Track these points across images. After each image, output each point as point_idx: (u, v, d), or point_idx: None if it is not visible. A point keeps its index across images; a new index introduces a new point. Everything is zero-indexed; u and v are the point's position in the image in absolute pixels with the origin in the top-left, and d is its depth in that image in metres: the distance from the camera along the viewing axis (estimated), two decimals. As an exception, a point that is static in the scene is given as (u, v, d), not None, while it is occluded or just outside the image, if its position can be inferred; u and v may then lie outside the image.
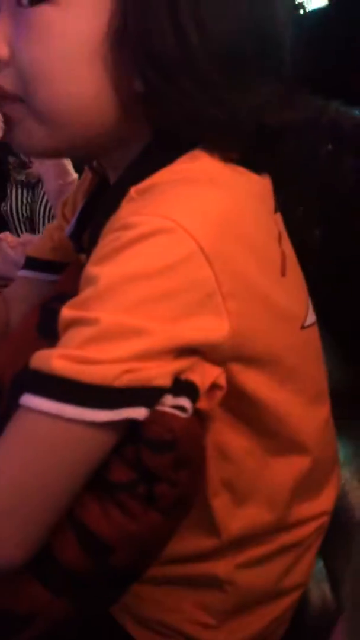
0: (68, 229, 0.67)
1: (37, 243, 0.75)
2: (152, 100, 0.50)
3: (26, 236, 1.25)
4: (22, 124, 0.54)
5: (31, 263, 0.74)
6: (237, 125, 0.50)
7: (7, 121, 0.54)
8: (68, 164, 1.20)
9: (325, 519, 0.64)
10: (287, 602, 0.63)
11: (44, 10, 0.49)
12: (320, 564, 0.72)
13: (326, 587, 0.72)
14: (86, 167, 0.71)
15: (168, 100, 0.49)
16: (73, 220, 0.66)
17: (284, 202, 0.60)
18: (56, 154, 0.63)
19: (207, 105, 0.49)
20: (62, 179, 1.19)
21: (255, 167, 0.54)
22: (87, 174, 0.70)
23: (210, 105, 0.49)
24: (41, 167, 1.20)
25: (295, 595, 0.63)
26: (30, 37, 0.50)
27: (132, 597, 0.56)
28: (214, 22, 0.48)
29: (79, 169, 1.20)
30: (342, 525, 0.73)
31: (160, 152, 0.52)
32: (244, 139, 0.52)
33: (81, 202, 0.68)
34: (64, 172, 1.18)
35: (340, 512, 0.72)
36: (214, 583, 0.58)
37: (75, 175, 1.20)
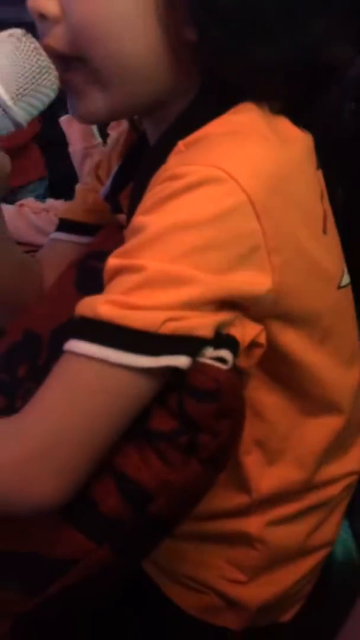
0: (103, 190, 0.67)
1: (69, 205, 0.75)
2: (206, 49, 0.49)
3: (50, 202, 1.25)
4: (82, 90, 0.53)
5: (64, 225, 0.73)
6: (289, 66, 0.50)
7: (70, 92, 0.54)
8: (93, 127, 1.19)
9: (353, 478, 0.65)
10: (314, 559, 0.64)
11: None
12: (346, 523, 0.73)
13: (352, 546, 0.73)
14: (117, 128, 0.70)
15: (222, 45, 0.49)
16: (108, 182, 0.66)
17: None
18: (112, 116, 0.61)
19: (261, 50, 0.49)
20: (88, 141, 1.18)
21: (301, 118, 0.53)
22: (121, 135, 0.69)
23: (264, 48, 0.49)
24: (68, 129, 1.19)
25: (322, 554, 0.64)
26: None
27: (164, 553, 0.57)
28: None
29: (102, 134, 1.19)
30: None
31: (208, 106, 0.51)
32: (293, 83, 0.51)
33: (116, 164, 0.68)
34: (90, 135, 1.18)
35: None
36: (244, 540, 0.59)
37: (99, 140, 1.19)
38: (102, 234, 0.68)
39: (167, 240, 0.45)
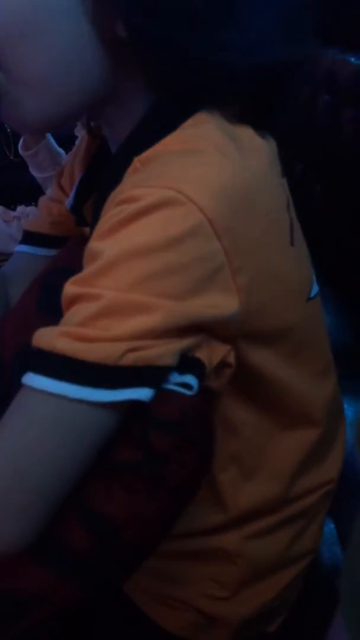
0: (68, 201, 0.65)
1: (34, 217, 0.73)
2: (137, 45, 0.47)
3: (21, 209, 1.23)
4: (9, 96, 0.50)
5: (29, 238, 0.72)
6: (231, 66, 0.47)
7: (3, 103, 0.51)
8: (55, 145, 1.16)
9: (330, 486, 0.64)
10: (296, 569, 0.63)
11: None
12: (332, 526, 0.73)
13: (338, 550, 0.72)
14: (81, 135, 0.68)
15: (153, 42, 0.46)
16: (72, 193, 0.64)
17: (283, 159, 0.57)
18: (52, 124, 0.56)
19: (195, 44, 0.46)
20: (57, 162, 1.15)
21: (257, 123, 0.51)
22: (82, 143, 0.67)
23: (199, 43, 0.46)
24: (35, 159, 1.14)
25: (304, 563, 0.64)
26: None
27: (142, 573, 0.56)
28: None
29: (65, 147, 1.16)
30: (351, 488, 0.73)
31: (162, 118, 0.49)
32: (241, 86, 0.49)
33: (79, 173, 0.66)
34: (56, 155, 1.14)
35: (349, 475, 0.72)
36: (223, 556, 0.58)
37: (61, 151, 1.16)
38: (68, 246, 0.67)
39: (124, 267, 0.43)
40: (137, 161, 0.48)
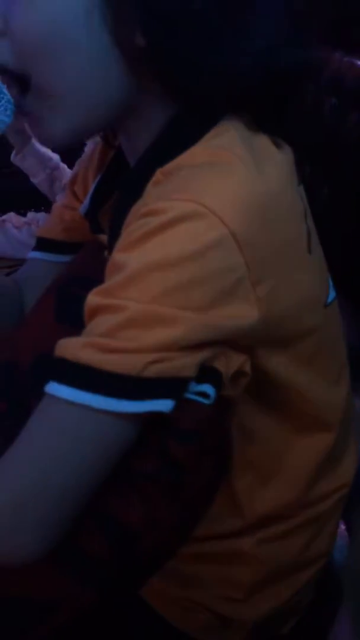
0: (82, 207, 0.65)
1: (47, 223, 0.74)
2: (155, 53, 0.47)
3: (32, 215, 1.24)
4: (36, 113, 0.51)
5: (42, 244, 0.72)
6: (244, 72, 0.48)
7: (28, 119, 0.53)
8: (45, 150, 1.16)
9: (345, 490, 0.64)
10: (310, 572, 0.64)
11: None
12: (343, 528, 0.73)
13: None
14: (94, 143, 0.69)
15: (170, 49, 0.47)
16: (87, 199, 0.64)
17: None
18: (77, 137, 0.57)
19: (209, 52, 0.47)
20: (48, 166, 1.15)
21: (279, 132, 0.52)
22: (95, 151, 0.68)
23: (212, 52, 0.47)
24: (23, 164, 1.16)
25: (318, 565, 0.64)
26: (23, 4, 0.48)
27: (158, 575, 0.57)
28: None
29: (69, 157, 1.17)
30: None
31: (184, 130, 0.50)
32: (256, 92, 0.49)
33: (93, 180, 0.66)
34: (46, 159, 1.15)
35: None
36: (238, 558, 0.59)
37: (55, 155, 1.17)
38: (83, 254, 0.67)
39: (148, 280, 0.44)
40: (159, 173, 0.48)
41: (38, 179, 1.19)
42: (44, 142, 0.55)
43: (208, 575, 0.60)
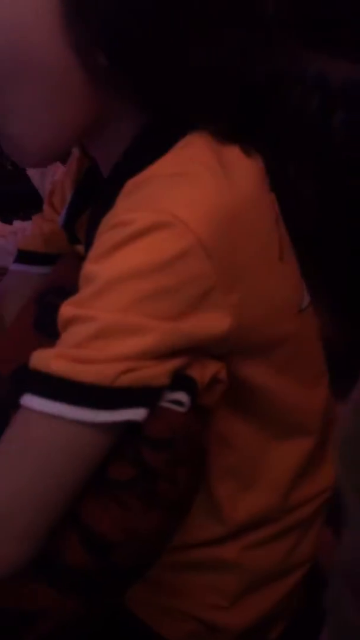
0: (60, 219, 0.66)
1: (27, 235, 0.74)
2: (118, 72, 0.48)
3: (18, 224, 1.24)
4: (6, 132, 0.52)
5: (22, 256, 0.73)
6: (213, 84, 0.49)
7: (3, 140, 0.53)
8: None
9: (327, 495, 0.64)
10: (295, 578, 0.64)
11: None
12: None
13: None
14: (72, 154, 0.69)
15: (133, 68, 0.48)
16: (64, 211, 0.65)
17: (276, 161, 0.58)
18: (51, 156, 0.58)
19: (174, 66, 0.48)
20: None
21: (246, 137, 0.52)
22: (72, 163, 0.69)
23: (177, 65, 0.48)
24: None
25: (303, 571, 0.64)
26: None
27: (142, 585, 0.57)
28: None
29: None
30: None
31: (153, 141, 0.51)
32: (226, 103, 0.50)
33: (70, 192, 0.67)
34: None
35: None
36: (222, 566, 0.59)
37: None
38: (61, 264, 0.67)
39: (118, 290, 0.44)
40: (130, 184, 0.49)
41: (30, 172, 1.20)
42: (19, 162, 0.57)
43: (193, 583, 0.60)
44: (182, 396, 0.47)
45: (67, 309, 0.46)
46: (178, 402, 0.47)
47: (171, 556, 0.57)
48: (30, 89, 0.50)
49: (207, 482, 0.55)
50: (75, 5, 0.47)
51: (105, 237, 0.47)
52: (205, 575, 0.60)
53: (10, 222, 1.26)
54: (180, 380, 0.47)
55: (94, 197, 0.60)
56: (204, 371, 0.48)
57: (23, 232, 1.21)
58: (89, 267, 0.47)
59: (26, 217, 1.29)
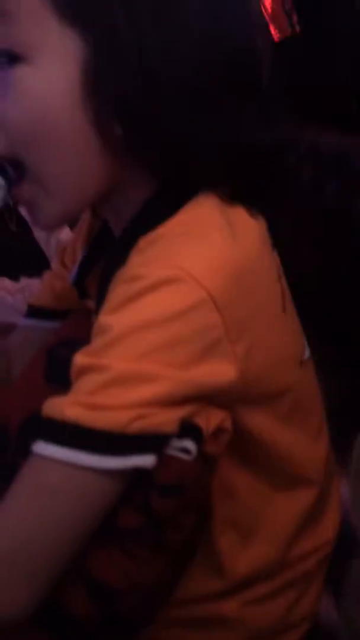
0: (71, 276, 0.69)
1: (37, 291, 0.77)
2: (132, 142, 0.52)
3: (25, 281, 1.27)
4: (32, 202, 0.56)
5: (33, 311, 0.75)
6: (219, 152, 0.53)
7: (23, 205, 0.57)
8: None
9: (327, 549, 0.65)
10: (296, 635, 0.63)
11: (18, 70, 0.52)
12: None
13: (335, 615, 0.72)
14: (84, 215, 0.73)
15: (146, 139, 0.52)
16: (75, 269, 0.68)
17: (276, 220, 0.62)
18: (67, 217, 0.62)
19: (182, 140, 0.51)
20: None
21: (255, 204, 0.56)
22: (83, 224, 0.72)
23: (185, 140, 0.51)
24: (23, 212, 1.22)
25: (303, 628, 0.64)
26: (10, 96, 0.52)
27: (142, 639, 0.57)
28: (179, 64, 0.50)
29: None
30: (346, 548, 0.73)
31: (164, 203, 0.54)
32: (231, 169, 0.54)
33: (81, 250, 0.70)
34: None
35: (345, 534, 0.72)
36: (222, 622, 0.59)
37: None
38: (71, 319, 0.70)
39: (131, 340, 0.47)
40: (142, 242, 0.52)
41: (37, 234, 1.24)
42: (39, 226, 0.60)
43: (191, 639, 0.59)
44: (189, 444, 0.48)
45: (80, 358, 0.48)
46: (185, 450, 0.48)
47: (170, 611, 0.57)
48: (52, 158, 0.53)
49: (207, 535, 0.55)
50: (92, 85, 0.51)
51: (119, 290, 0.49)
52: (204, 631, 0.59)
53: (17, 279, 1.29)
54: (187, 428, 0.48)
55: (105, 254, 0.63)
56: (210, 420, 0.50)
57: (30, 289, 1.25)
58: (103, 319, 0.49)
59: (32, 275, 1.33)
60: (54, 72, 0.51)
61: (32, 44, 0.51)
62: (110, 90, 0.50)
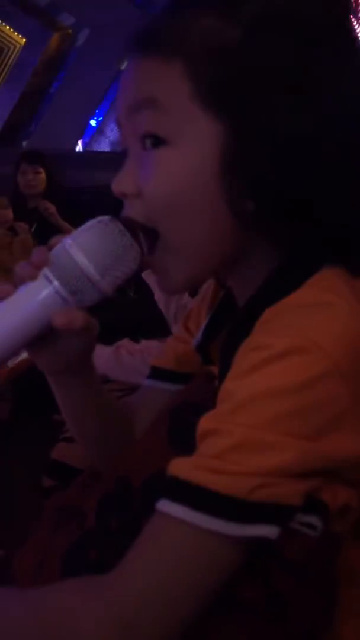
0: (195, 342, 0.71)
1: (161, 354, 0.80)
2: (264, 217, 0.54)
3: (144, 342, 1.32)
4: (162, 266, 0.59)
5: (157, 373, 0.78)
6: (342, 224, 0.53)
7: (153, 269, 0.61)
8: None
9: None
10: None
11: (161, 151, 0.56)
12: None
13: None
14: (208, 283, 0.76)
15: (277, 214, 0.53)
16: (199, 334, 0.70)
17: None
18: (193, 283, 0.65)
19: (311, 215, 0.52)
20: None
21: None
22: (207, 292, 0.75)
23: (313, 215, 0.52)
24: (149, 279, 1.27)
25: None
26: (153, 174, 0.56)
27: None
28: (317, 148, 0.51)
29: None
30: None
31: (291, 275, 0.55)
32: (354, 241, 0.54)
33: (205, 317, 0.72)
34: None
35: None
36: None
37: None
38: (195, 382, 0.72)
39: (257, 406, 0.47)
40: (268, 313, 0.53)
41: (158, 296, 1.29)
42: (166, 290, 0.63)
43: None
44: (314, 520, 0.47)
45: (206, 422, 0.49)
46: (310, 526, 0.47)
47: None
48: (185, 227, 0.57)
49: (330, 621, 0.52)
50: (230, 165, 0.54)
51: (244, 358, 0.50)
52: None
53: (137, 341, 1.35)
54: (312, 504, 0.47)
55: (230, 321, 0.65)
56: (337, 496, 0.48)
57: (149, 350, 1.29)
58: (229, 385, 0.50)
59: (150, 338, 1.38)
60: (194, 152, 0.55)
61: (177, 130, 0.55)
62: (247, 170, 0.53)
